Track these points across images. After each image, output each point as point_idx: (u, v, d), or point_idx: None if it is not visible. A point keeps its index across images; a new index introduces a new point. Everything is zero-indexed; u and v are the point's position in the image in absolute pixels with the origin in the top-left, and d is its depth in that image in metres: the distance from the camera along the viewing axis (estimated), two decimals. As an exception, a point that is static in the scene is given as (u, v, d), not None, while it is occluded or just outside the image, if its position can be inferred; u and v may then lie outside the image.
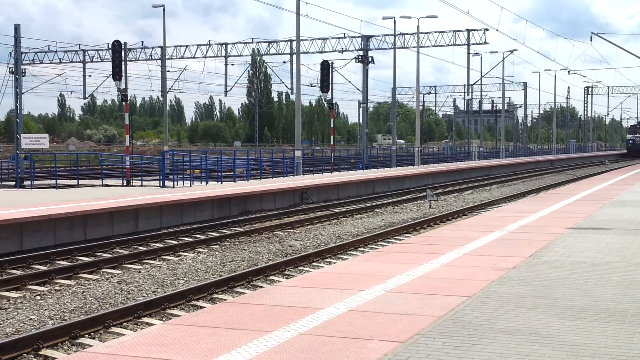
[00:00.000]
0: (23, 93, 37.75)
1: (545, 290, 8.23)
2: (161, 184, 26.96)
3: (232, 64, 59.30)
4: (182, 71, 59.41)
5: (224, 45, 55.60)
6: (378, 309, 7.41)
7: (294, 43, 41.01)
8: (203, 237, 17.49)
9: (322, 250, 14.94)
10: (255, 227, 19.24)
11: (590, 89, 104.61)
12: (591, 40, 46.96)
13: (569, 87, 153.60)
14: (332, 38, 51.27)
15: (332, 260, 14.39)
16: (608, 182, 29.12)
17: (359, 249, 15.81)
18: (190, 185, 26.79)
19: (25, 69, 45.24)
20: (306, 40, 51.01)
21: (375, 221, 20.51)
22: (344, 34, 50.66)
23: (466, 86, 57.11)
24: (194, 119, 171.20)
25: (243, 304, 7.78)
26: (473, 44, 50.41)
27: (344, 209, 23.65)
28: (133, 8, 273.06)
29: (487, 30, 49.78)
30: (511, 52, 66.69)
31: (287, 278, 12.36)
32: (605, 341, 6.14)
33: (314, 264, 13.93)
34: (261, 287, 11.61)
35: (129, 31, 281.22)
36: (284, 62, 57.53)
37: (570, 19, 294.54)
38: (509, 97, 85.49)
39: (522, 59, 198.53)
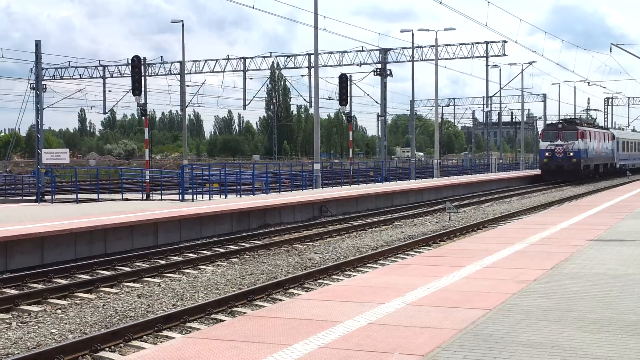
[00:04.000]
0: (44, 108, 38.12)
1: (567, 303, 8.15)
2: (180, 198, 27.05)
3: (251, 78, 59.67)
4: (201, 85, 59.82)
5: (242, 60, 55.90)
6: (398, 322, 7.37)
7: (312, 57, 41.11)
8: (222, 250, 17.52)
9: (341, 263, 14.91)
10: (274, 240, 19.24)
11: (610, 100, 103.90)
12: (610, 51, 46.71)
13: (588, 98, 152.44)
14: (350, 51, 51.41)
15: (351, 273, 14.35)
16: (630, 194, 28.87)
17: (379, 261, 15.76)
18: (210, 199, 26.87)
19: (45, 85, 45.68)
20: (324, 53, 51.18)
21: (394, 234, 20.44)
22: (362, 47, 50.83)
23: (485, 98, 57.06)
24: (212, 133, 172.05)
25: (263, 317, 7.77)
26: (492, 56, 50.38)
27: (363, 222, 23.59)
28: (148, 24, 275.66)
29: (505, 42, 49.74)
30: (530, 63, 66.50)
31: (306, 291, 12.34)
32: (628, 354, 6.07)
33: (333, 277, 13.90)
34: (281, 300, 11.59)
35: (144, 46, 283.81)
36: (302, 75, 57.68)
37: (586, 31, 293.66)
38: (529, 109, 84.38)
39: (540, 70, 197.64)
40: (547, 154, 49.16)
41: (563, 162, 48.43)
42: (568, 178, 48.06)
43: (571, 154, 48.16)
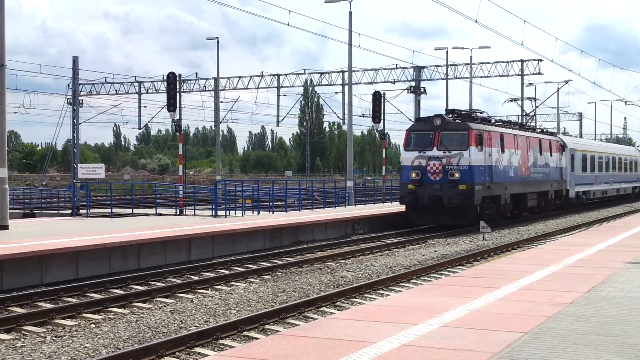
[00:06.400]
0: (80, 123, 38.58)
1: (604, 327, 8.01)
2: (213, 214, 27.18)
3: (284, 95, 59.88)
4: (235, 102, 60.16)
5: (276, 77, 56.20)
6: (432, 344, 7.30)
7: (346, 74, 41.20)
8: (255, 267, 17.53)
9: (373, 282, 14.83)
10: (306, 257, 19.22)
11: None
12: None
13: (625, 118, 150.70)
14: (384, 69, 51.43)
15: (384, 292, 14.27)
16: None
17: (412, 281, 15.65)
18: (242, 215, 26.95)
19: (82, 100, 46.31)
20: (358, 71, 51.28)
21: (427, 252, 20.31)
22: (396, 64, 50.81)
23: (520, 117, 56.52)
24: (245, 149, 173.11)
25: (295, 337, 7.74)
26: (527, 74, 49.98)
27: (396, 240, 23.49)
28: (181, 40, 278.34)
29: (541, 60, 49.37)
30: (566, 82, 65.80)
31: (339, 310, 12.29)
32: (669, 382, 5.94)
33: (366, 295, 13.83)
34: (313, 318, 11.55)
35: (177, 62, 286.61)
36: (336, 92, 57.80)
37: (620, 49, 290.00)
38: (564, 128, 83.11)
39: (576, 89, 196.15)
40: (413, 174, 26.58)
41: (440, 190, 26.15)
42: (451, 221, 26.34)
43: (456, 174, 25.95)
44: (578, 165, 39.64)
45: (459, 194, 25.77)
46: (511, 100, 37.01)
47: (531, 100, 35.91)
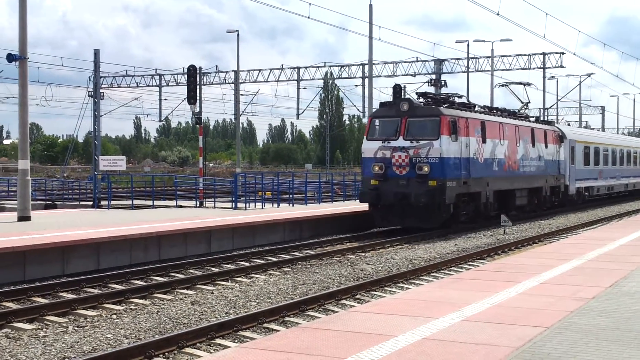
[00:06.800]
0: (101, 116, 38.80)
1: (626, 322, 7.95)
2: (233, 206, 27.25)
3: (304, 88, 59.84)
4: (255, 95, 60.24)
5: (296, 69, 56.20)
6: (453, 337, 7.28)
7: (366, 67, 41.12)
8: (275, 259, 17.56)
9: (394, 275, 14.81)
10: (326, 250, 19.23)
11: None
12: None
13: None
14: (405, 62, 51.30)
15: (404, 285, 14.25)
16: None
17: (432, 274, 15.62)
18: (262, 208, 27.00)
19: (103, 93, 46.56)
20: (378, 64, 51.16)
21: (447, 246, 20.25)
22: (417, 57, 50.67)
23: (542, 109, 56.17)
24: (265, 141, 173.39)
25: (316, 329, 7.74)
26: (549, 68, 49.68)
27: (416, 234, 23.43)
28: (200, 33, 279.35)
29: (563, 53, 49.02)
30: (588, 75, 65.35)
31: (359, 303, 12.28)
32: (693, 378, 5.88)
33: (385, 289, 13.81)
34: (333, 311, 11.56)
35: (197, 55, 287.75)
36: (356, 85, 57.85)
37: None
38: (586, 121, 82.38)
39: (598, 82, 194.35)
40: (376, 167, 22.97)
41: (407, 186, 22.45)
42: (419, 223, 22.76)
43: (425, 168, 22.28)
44: (579, 157, 35.89)
45: (428, 190, 22.02)
46: (502, 85, 35.71)
47: (524, 86, 33.56)
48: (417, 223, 22.71)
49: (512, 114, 29.25)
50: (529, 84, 33.80)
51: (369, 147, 23.38)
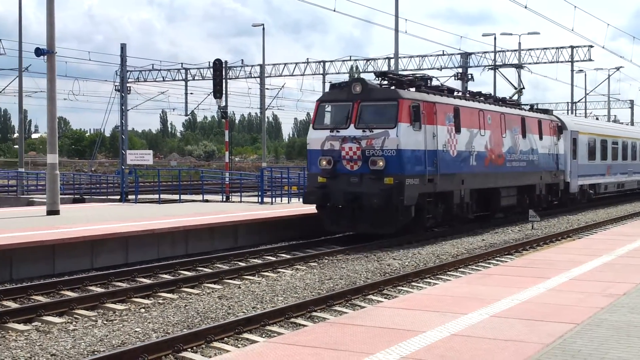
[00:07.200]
0: (128, 110, 39.04)
1: (659, 319, 7.85)
2: (259, 200, 27.31)
3: (330, 82, 59.75)
4: (281, 89, 60.22)
5: (321, 63, 56.18)
6: (482, 334, 7.23)
7: (392, 60, 40.98)
8: (301, 254, 17.56)
9: (421, 271, 14.76)
10: (353, 245, 19.17)
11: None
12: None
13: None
14: (431, 55, 51.07)
15: (431, 280, 14.19)
16: None
17: (459, 269, 15.53)
18: (288, 202, 27.02)
19: (130, 87, 46.83)
20: (404, 57, 50.97)
21: (475, 241, 20.13)
22: (443, 51, 50.43)
23: (570, 103, 55.69)
24: (291, 135, 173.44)
25: (344, 324, 7.74)
26: (577, 61, 49.24)
27: (443, 229, 23.31)
28: (225, 27, 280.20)
29: (592, 47, 48.54)
30: (617, 69, 64.70)
31: (386, 298, 12.25)
32: None
33: (413, 284, 13.76)
34: (360, 306, 11.55)
35: (223, 49, 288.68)
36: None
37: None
38: (615, 115, 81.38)
39: (627, 76, 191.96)
40: (323, 161, 19.36)
41: (359, 184, 18.92)
42: (371, 228, 19.19)
43: (379, 162, 18.66)
44: (583, 151, 31.45)
45: (382, 190, 18.31)
46: (491, 68, 34.75)
47: (517, 68, 30.57)
48: (370, 229, 19.13)
49: (499, 101, 25.30)
50: (521, 67, 30.90)
51: (315, 138, 19.59)
